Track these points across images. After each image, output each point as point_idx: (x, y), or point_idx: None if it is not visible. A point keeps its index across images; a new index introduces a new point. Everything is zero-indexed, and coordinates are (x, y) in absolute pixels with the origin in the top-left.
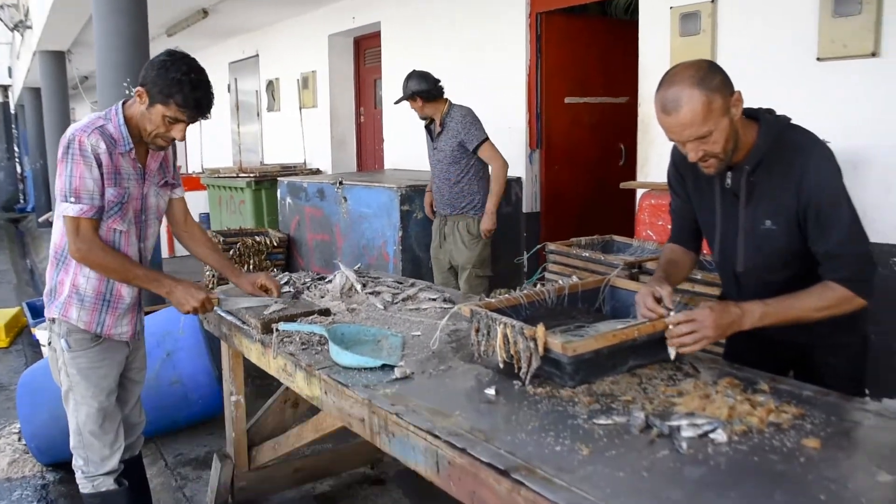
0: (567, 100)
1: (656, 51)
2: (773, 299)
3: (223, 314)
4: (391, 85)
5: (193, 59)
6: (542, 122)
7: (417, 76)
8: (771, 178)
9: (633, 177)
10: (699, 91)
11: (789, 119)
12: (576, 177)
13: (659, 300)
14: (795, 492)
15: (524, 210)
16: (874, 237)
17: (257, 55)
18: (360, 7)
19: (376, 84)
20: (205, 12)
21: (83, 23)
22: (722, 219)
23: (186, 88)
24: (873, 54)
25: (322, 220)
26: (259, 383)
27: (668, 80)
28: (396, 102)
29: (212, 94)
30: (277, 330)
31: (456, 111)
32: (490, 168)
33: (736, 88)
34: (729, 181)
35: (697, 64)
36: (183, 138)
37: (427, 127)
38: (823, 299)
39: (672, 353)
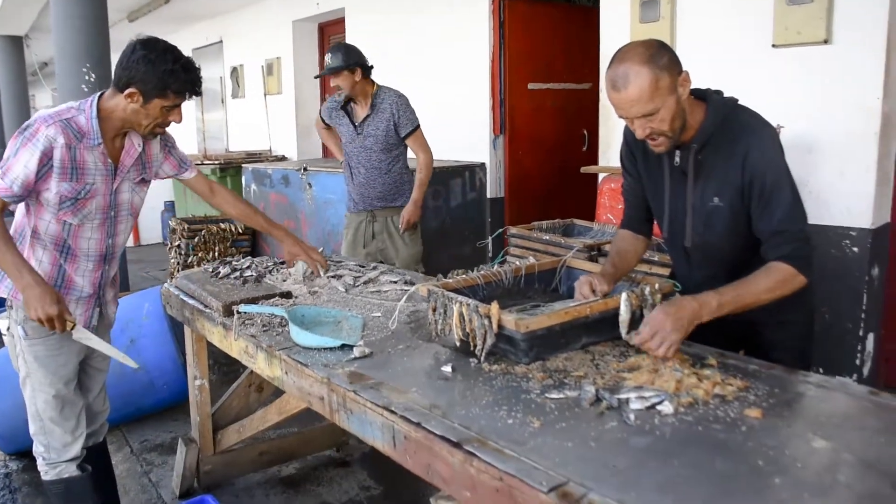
0: (530, 86)
1: (617, 37)
2: (726, 287)
3: (185, 298)
4: None
5: (169, 44)
6: (505, 108)
7: (354, 48)
8: (718, 157)
9: (595, 162)
10: (648, 68)
11: (737, 100)
12: (539, 162)
13: (594, 290)
14: (735, 459)
15: (488, 195)
16: (828, 220)
17: (221, 41)
18: None
19: None
20: None
21: (41, 6)
22: (671, 196)
23: (182, 75)
24: (825, 41)
25: (287, 206)
26: (226, 370)
27: (618, 57)
28: (323, 74)
29: (199, 69)
30: (238, 312)
31: (388, 93)
32: (418, 158)
33: (694, 73)
34: (678, 159)
35: (647, 42)
36: (181, 120)
37: (345, 108)
38: (771, 280)
39: (624, 331)
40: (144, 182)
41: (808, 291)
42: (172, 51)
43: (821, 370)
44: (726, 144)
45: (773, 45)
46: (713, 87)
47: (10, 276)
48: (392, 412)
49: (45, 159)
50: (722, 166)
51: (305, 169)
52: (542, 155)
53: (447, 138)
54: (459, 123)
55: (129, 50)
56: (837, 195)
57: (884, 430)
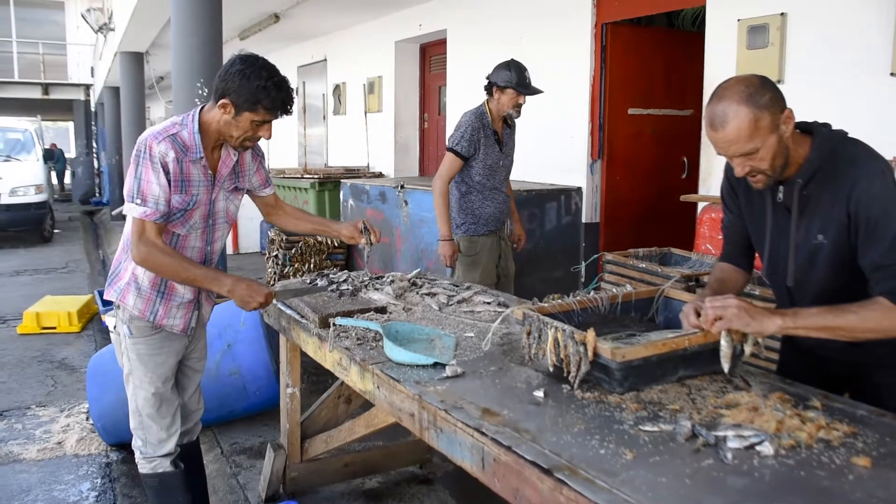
0: (630, 111)
1: (723, 63)
2: (807, 310)
3: (283, 308)
4: (455, 92)
5: (268, 62)
6: (604, 133)
7: None
8: (823, 192)
9: (694, 190)
10: (747, 108)
11: (846, 133)
12: (637, 188)
13: (698, 314)
14: None
15: (583, 220)
16: None
17: (325, 59)
18: (427, 14)
19: (441, 91)
20: (276, 17)
21: (161, 25)
22: (773, 233)
23: (273, 93)
24: None
25: (383, 222)
26: (315, 379)
27: (717, 94)
28: (534, 92)
29: (292, 89)
30: (334, 324)
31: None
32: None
33: (804, 103)
34: (781, 195)
35: (748, 79)
36: (270, 136)
37: (496, 128)
38: (865, 313)
39: (725, 366)
40: (238, 190)
41: None
42: (268, 69)
43: None
44: (832, 179)
45: (892, 73)
46: (821, 121)
47: (209, 288)
48: (483, 434)
49: (166, 172)
50: (827, 202)
51: (402, 186)
52: (640, 181)
53: (544, 161)
54: (557, 146)
55: (229, 64)
56: None
57: None
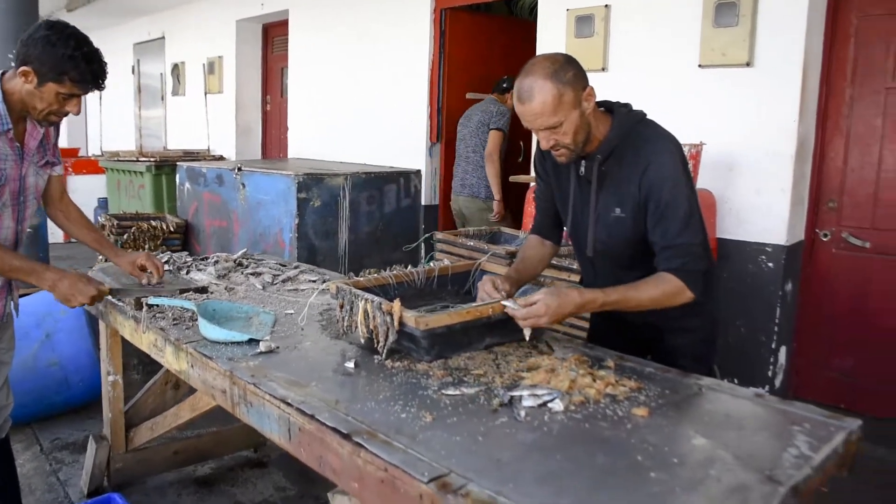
0: (469, 95)
1: (553, 50)
2: (612, 289)
3: None
4: (297, 73)
5: (78, 30)
6: (443, 117)
7: None
8: (621, 169)
9: (529, 172)
10: (551, 83)
11: (644, 114)
12: None
13: (497, 288)
14: (616, 454)
15: (423, 202)
16: (745, 236)
17: (163, 37)
18: None
19: (283, 72)
20: None
21: None
22: (576, 204)
23: (82, 64)
24: (748, 64)
25: (220, 206)
26: (150, 369)
27: (525, 70)
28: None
29: (105, 63)
30: (147, 305)
31: None
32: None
33: (624, 88)
34: (583, 169)
35: (553, 57)
36: (79, 112)
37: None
38: (656, 290)
39: (527, 333)
40: (48, 164)
41: (710, 300)
42: (78, 37)
43: (735, 380)
44: (629, 157)
45: (700, 66)
46: (637, 105)
47: (29, 281)
48: (288, 404)
49: None
50: (624, 178)
51: (240, 169)
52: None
53: (385, 144)
54: (397, 129)
55: (34, 28)
56: (755, 212)
57: (761, 429)
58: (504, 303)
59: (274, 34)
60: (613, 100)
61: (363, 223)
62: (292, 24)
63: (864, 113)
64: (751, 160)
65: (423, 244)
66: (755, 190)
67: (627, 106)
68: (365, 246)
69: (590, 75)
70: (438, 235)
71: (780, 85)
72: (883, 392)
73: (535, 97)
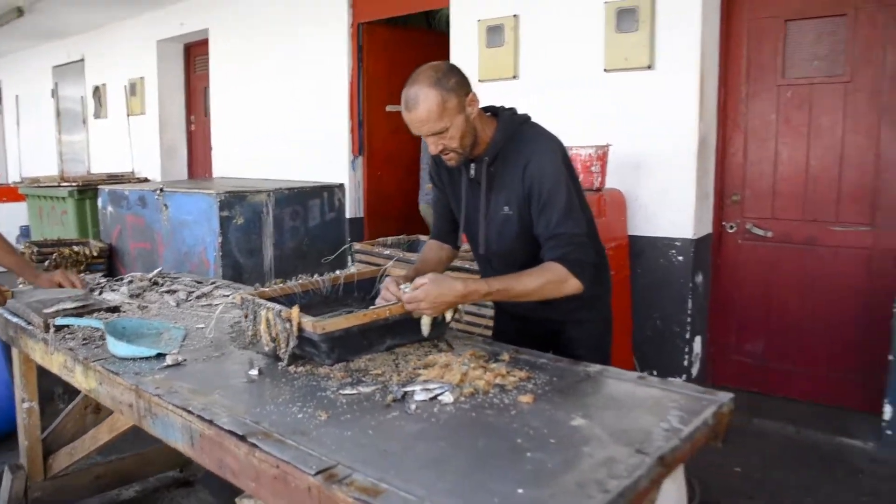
0: (388, 108)
1: (467, 60)
2: (496, 278)
3: (8, 316)
4: (219, 92)
5: None
6: (364, 130)
7: None
8: (507, 169)
9: None
10: (435, 91)
11: (528, 117)
12: (398, 182)
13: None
14: (498, 438)
15: (348, 215)
16: (655, 232)
17: (83, 59)
18: (188, 12)
19: (206, 92)
20: (20, 11)
21: None
22: (468, 206)
23: None
24: (649, 67)
25: (144, 228)
26: (72, 397)
27: (410, 79)
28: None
29: None
30: (56, 326)
31: None
32: None
33: (535, 94)
34: (473, 172)
35: (436, 66)
36: None
37: None
38: (540, 278)
39: (425, 332)
40: None
41: (603, 292)
42: None
43: (654, 372)
44: (514, 157)
45: (605, 70)
46: (552, 111)
47: None
48: (189, 412)
49: None
50: (509, 177)
51: (162, 190)
52: (400, 175)
53: (308, 158)
54: (320, 144)
55: None
56: (663, 208)
57: (638, 408)
58: (400, 286)
59: (196, 53)
60: (498, 104)
61: (288, 238)
62: (212, 43)
63: (759, 110)
64: (657, 159)
65: (349, 255)
66: (662, 187)
67: (512, 110)
68: (291, 261)
69: (502, 83)
70: (357, 246)
71: (680, 86)
72: (792, 374)
73: (420, 105)
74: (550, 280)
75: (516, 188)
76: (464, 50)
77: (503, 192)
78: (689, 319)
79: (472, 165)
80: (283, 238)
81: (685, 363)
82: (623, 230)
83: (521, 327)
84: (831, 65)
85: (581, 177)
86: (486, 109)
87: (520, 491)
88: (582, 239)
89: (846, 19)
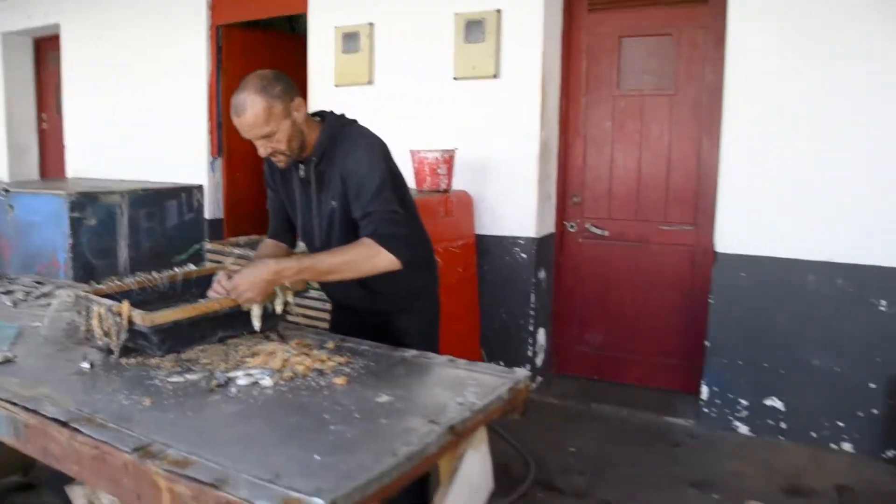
0: None
1: (323, 66)
2: (308, 255)
3: None
4: (72, 90)
5: None
6: (223, 132)
7: None
8: (332, 167)
9: None
10: (261, 97)
11: (353, 120)
12: (257, 183)
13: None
14: (308, 415)
15: (207, 216)
16: (501, 231)
17: None
18: (37, 5)
19: (59, 88)
20: None
21: None
22: (301, 205)
23: None
24: (495, 76)
25: None
26: None
27: (239, 87)
28: None
29: None
30: None
31: None
32: None
33: (389, 99)
34: (302, 172)
35: (263, 73)
36: None
37: None
38: (351, 252)
39: (256, 325)
40: None
41: (431, 283)
42: None
43: (501, 363)
44: (335, 155)
45: (455, 78)
46: (333, 109)
47: None
48: (14, 404)
49: None
50: (333, 173)
51: (7, 191)
52: (259, 176)
53: (167, 159)
54: (179, 145)
55: None
56: (508, 209)
57: (441, 386)
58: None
59: (47, 48)
60: (328, 110)
61: (144, 239)
62: (64, 39)
63: (597, 118)
64: (502, 162)
65: (202, 255)
66: (507, 189)
67: (339, 114)
68: (146, 262)
69: (357, 88)
70: (208, 245)
71: (523, 94)
72: (627, 361)
73: (247, 110)
74: (360, 254)
75: (337, 182)
76: (321, 55)
77: (330, 189)
78: (532, 313)
79: (302, 166)
80: (138, 239)
81: (529, 354)
82: (470, 229)
83: (353, 318)
84: (659, 79)
85: (428, 180)
86: (315, 114)
87: (317, 458)
88: (392, 215)
89: (671, 39)
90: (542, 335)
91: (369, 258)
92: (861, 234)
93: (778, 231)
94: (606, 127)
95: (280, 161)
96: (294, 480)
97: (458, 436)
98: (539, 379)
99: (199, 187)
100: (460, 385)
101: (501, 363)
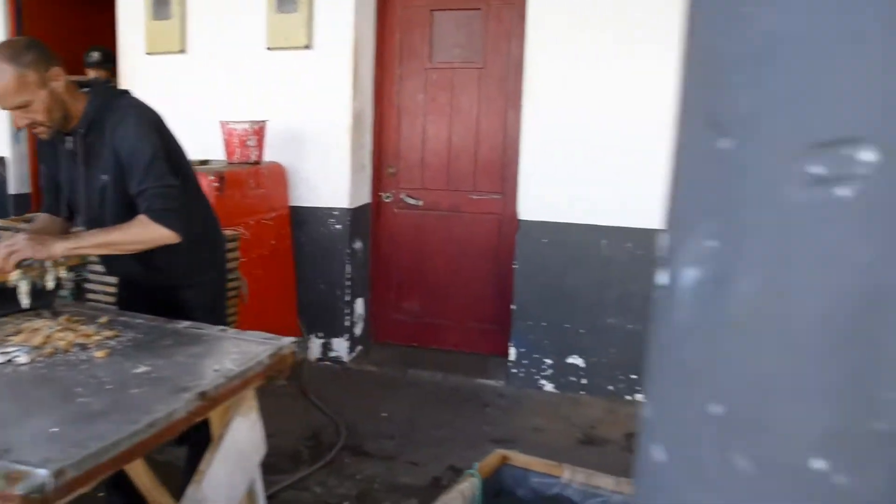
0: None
1: (133, 32)
2: (86, 232)
3: None
4: None
5: None
6: None
7: None
8: (101, 139)
9: None
10: (11, 66)
11: (125, 91)
12: None
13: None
14: (59, 388)
15: (12, 191)
16: (316, 202)
17: None
18: None
19: None
20: None
21: None
22: (68, 178)
23: None
24: (307, 47)
25: None
26: None
27: None
28: None
29: None
30: None
31: None
32: None
33: (200, 67)
34: (69, 144)
35: (15, 42)
36: None
37: None
38: (126, 228)
39: (25, 302)
40: None
41: (215, 254)
42: None
43: (321, 334)
44: (105, 127)
45: (268, 48)
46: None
47: None
48: None
49: None
50: (103, 146)
51: None
52: None
53: None
54: None
55: None
56: (323, 180)
57: (202, 355)
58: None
59: None
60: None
61: None
62: None
63: (410, 90)
64: (316, 134)
65: None
66: (321, 160)
67: (106, 84)
68: None
69: (170, 57)
70: (0, 223)
71: (336, 65)
72: (442, 327)
73: None
74: (134, 230)
75: (108, 156)
76: (131, 19)
77: (100, 162)
78: (349, 283)
79: (69, 138)
80: None
81: (347, 324)
82: (284, 201)
83: (137, 293)
84: (469, 52)
85: (238, 151)
86: (83, 85)
87: (54, 430)
88: (166, 189)
89: (480, 13)
90: (360, 305)
91: (144, 234)
92: (647, 200)
93: (573, 198)
94: (419, 99)
95: (41, 133)
96: (23, 454)
97: (210, 402)
98: (359, 348)
99: (2, 159)
100: (221, 354)
101: (321, 334)
